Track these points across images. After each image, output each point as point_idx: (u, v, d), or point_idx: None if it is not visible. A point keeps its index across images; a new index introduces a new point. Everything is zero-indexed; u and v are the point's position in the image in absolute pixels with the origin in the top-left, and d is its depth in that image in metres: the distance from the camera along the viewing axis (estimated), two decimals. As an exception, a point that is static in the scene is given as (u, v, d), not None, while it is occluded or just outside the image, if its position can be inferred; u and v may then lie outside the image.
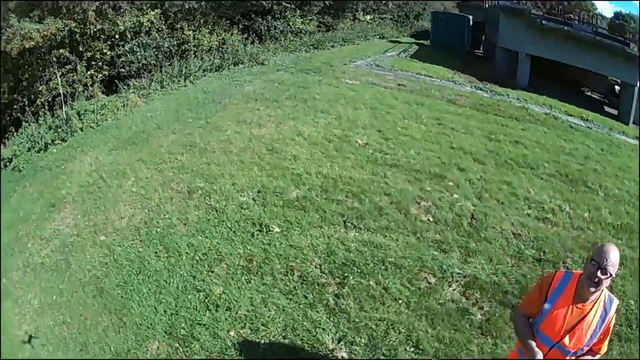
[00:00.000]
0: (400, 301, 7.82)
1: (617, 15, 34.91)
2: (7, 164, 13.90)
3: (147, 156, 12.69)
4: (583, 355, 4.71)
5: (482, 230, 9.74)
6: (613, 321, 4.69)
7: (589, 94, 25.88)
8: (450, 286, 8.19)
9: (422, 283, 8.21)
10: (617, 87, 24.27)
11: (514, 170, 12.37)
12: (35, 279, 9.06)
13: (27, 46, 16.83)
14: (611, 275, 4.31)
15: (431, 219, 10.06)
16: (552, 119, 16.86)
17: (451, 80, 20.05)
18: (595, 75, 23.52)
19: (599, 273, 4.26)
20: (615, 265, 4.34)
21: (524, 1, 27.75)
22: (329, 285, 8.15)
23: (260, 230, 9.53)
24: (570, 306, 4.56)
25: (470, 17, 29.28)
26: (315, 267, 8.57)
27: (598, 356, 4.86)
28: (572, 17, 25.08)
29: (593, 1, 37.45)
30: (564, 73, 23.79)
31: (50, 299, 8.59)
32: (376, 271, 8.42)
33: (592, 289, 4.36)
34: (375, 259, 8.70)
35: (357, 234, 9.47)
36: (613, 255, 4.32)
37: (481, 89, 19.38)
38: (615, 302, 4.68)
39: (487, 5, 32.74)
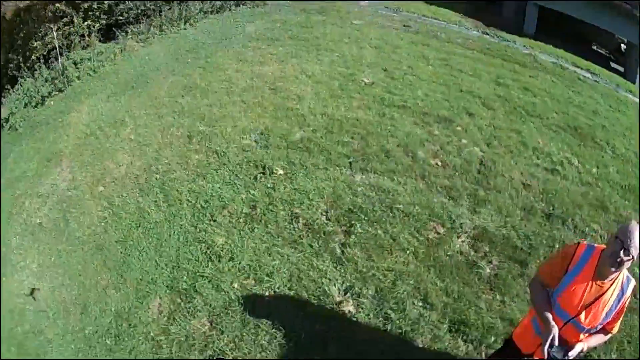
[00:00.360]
0: (408, 251, 7.68)
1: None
2: (4, 124, 13.45)
3: (146, 100, 12.27)
4: (596, 333, 4.65)
5: (491, 178, 9.57)
6: (628, 301, 4.61)
7: (595, 48, 25.78)
8: (459, 237, 8.06)
9: (431, 233, 8.06)
10: (623, 46, 24.13)
11: (522, 119, 12.08)
12: (34, 242, 8.76)
13: (21, 6, 16.31)
14: (633, 257, 4.13)
15: (439, 164, 9.87)
16: (560, 69, 16.51)
17: (457, 24, 19.67)
18: (602, 31, 23.31)
19: (621, 253, 4.07)
20: (638, 248, 4.13)
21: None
22: (335, 234, 7.98)
23: (263, 173, 9.31)
24: (590, 282, 4.40)
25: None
26: (321, 213, 8.39)
27: (609, 335, 4.83)
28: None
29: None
30: (571, 27, 23.60)
31: (48, 261, 8.35)
32: (384, 219, 8.23)
33: (613, 269, 4.21)
34: (383, 205, 8.51)
35: (363, 176, 9.26)
36: (638, 236, 4.12)
37: (488, 34, 19.06)
38: (633, 282, 4.56)
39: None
